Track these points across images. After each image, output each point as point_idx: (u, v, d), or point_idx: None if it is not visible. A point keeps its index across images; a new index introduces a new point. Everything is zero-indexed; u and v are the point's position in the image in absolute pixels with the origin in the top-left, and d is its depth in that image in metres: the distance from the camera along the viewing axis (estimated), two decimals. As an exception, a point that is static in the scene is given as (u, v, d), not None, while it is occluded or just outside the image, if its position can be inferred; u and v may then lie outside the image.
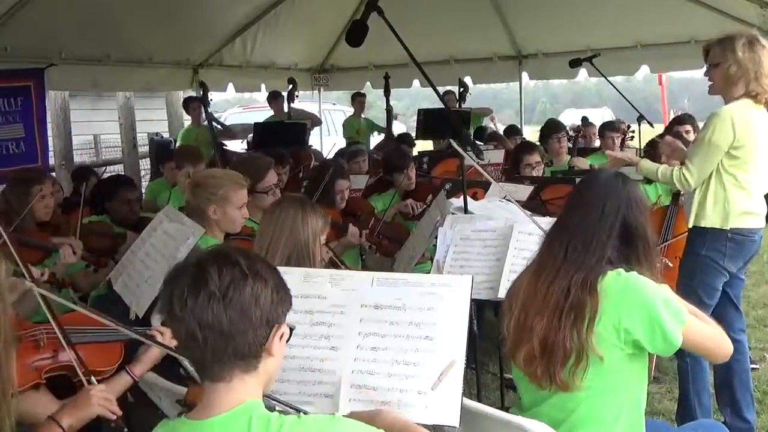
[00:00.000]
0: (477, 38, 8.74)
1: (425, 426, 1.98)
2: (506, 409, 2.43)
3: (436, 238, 3.44)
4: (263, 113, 10.02)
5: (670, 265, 4.10)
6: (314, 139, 9.81)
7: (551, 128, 6.17)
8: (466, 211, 3.52)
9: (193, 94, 8.48)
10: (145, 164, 10.66)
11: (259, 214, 3.41)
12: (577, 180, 3.00)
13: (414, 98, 30.52)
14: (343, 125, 10.42)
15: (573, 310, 2.13)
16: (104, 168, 8.73)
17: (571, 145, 6.39)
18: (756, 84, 3.33)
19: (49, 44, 6.41)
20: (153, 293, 2.95)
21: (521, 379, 2.30)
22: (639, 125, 5.93)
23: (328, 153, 8.56)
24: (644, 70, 8.53)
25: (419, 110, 8.95)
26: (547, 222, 2.71)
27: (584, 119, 7.85)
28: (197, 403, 1.60)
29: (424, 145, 9.13)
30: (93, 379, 2.12)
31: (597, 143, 6.96)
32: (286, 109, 8.80)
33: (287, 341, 1.64)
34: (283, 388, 2.05)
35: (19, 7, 5.70)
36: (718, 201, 3.38)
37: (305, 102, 10.76)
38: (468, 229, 3.34)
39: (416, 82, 9.35)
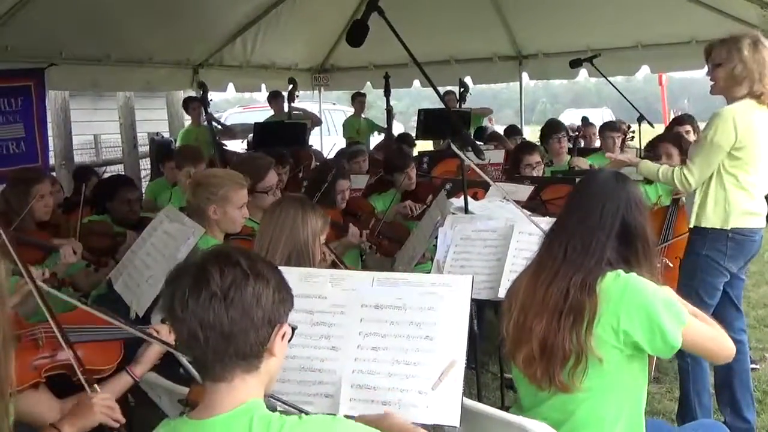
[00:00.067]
0: (477, 38, 8.74)
1: (426, 426, 1.99)
2: (506, 409, 2.43)
3: (436, 238, 3.44)
4: (263, 113, 10.03)
5: (671, 265, 4.10)
6: (314, 139, 9.81)
7: (551, 128, 6.16)
8: (466, 211, 3.52)
9: (193, 94, 8.48)
10: (145, 164, 10.66)
11: (260, 214, 3.41)
12: (577, 180, 3.00)
13: (414, 98, 30.51)
14: (344, 125, 10.43)
15: (572, 312, 2.13)
16: (104, 168, 8.73)
17: (571, 146, 6.38)
18: (760, 85, 3.32)
19: (50, 44, 6.41)
20: (153, 293, 2.96)
21: (521, 381, 2.30)
22: (639, 125, 5.92)
23: (329, 153, 8.55)
24: (644, 70, 8.54)
25: (419, 110, 8.97)
26: (546, 222, 2.71)
27: (584, 119, 7.86)
28: (199, 402, 1.60)
29: (423, 146, 9.13)
30: (96, 387, 2.11)
31: (597, 143, 6.96)
32: (286, 109, 8.80)
33: (289, 341, 1.64)
34: (284, 388, 2.05)
35: (19, 6, 5.69)
36: (718, 201, 3.38)
37: (305, 102, 10.76)
38: (468, 229, 3.34)
39: (416, 82, 9.36)
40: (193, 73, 8.45)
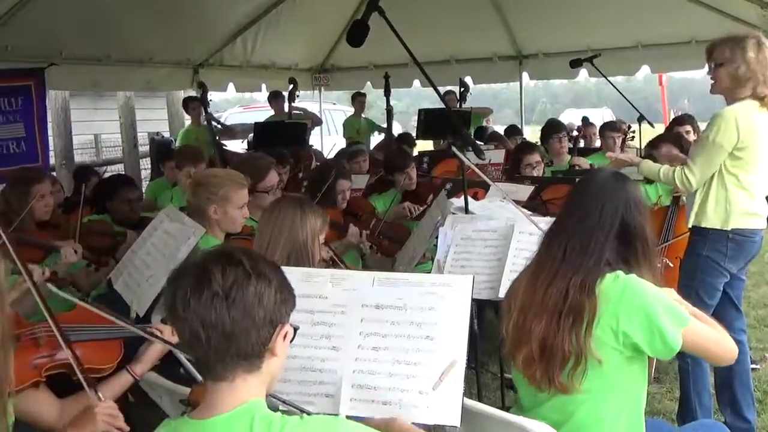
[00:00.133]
0: (477, 38, 8.74)
1: (426, 426, 1.98)
2: (507, 409, 2.42)
3: (436, 238, 3.44)
4: (264, 113, 10.02)
5: (671, 265, 4.10)
6: (314, 139, 9.81)
7: (552, 128, 6.16)
8: (466, 211, 3.52)
9: (193, 93, 8.48)
10: (145, 164, 10.66)
11: (260, 213, 3.41)
12: (577, 180, 3.00)
13: (414, 98, 30.54)
14: (344, 125, 10.43)
15: (571, 313, 2.12)
16: (104, 168, 8.73)
17: (571, 146, 6.38)
18: (764, 87, 3.31)
19: (50, 44, 6.41)
20: (154, 293, 2.95)
21: (520, 381, 2.29)
22: (639, 125, 5.92)
23: (329, 153, 8.56)
24: (645, 70, 8.54)
25: (420, 110, 8.97)
26: (546, 222, 2.71)
27: (585, 119, 7.86)
28: (200, 402, 1.60)
29: (423, 145, 9.13)
30: (100, 394, 2.11)
31: (597, 143, 6.96)
32: (286, 109, 8.80)
33: (291, 341, 1.64)
34: (284, 388, 2.05)
35: (19, 6, 5.69)
36: (719, 202, 3.37)
37: (306, 102, 10.76)
38: (469, 229, 3.34)
39: (416, 82, 9.36)
40: (193, 72, 8.45)
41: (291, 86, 8.69)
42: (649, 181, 4.35)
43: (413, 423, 1.99)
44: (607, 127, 6.27)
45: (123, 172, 8.77)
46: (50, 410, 2.33)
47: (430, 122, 8.43)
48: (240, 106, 15.95)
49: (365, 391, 2.06)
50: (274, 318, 1.57)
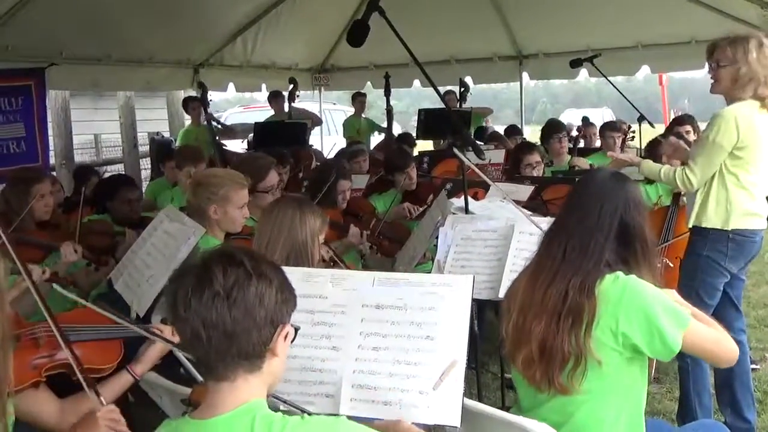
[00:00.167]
0: (478, 38, 8.74)
1: (426, 426, 1.98)
2: (507, 409, 2.42)
3: (436, 238, 3.44)
4: (264, 113, 10.03)
5: (671, 265, 4.10)
6: (315, 139, 9.81)
7: (552, 128, 6.17)
8: (467, 211, 3.52)
9: (193, 93, 8.49)
10: (145, 164, 10.67)
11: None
12: (577, 180, 3.00)
13: (415, 98, 30.54)
14: (344, 125, 10.43)
15: (571, 314, 2.12)
16: (104, 168, 8.74)
17: (571, 146, 6.38)
18: (765, 88, 3.30)
19: (50, 44, 6.41)
20: (154, 293, 2.96)
21: (520, 382, 2.29)
22: (639, 125, 5.92)
23: (329, 153, 8.55)
24: (645, 70, 8.54)
25: (420, 110, 8.97)
26: (547, 222, 2.71)
27: (585, 119, 7.86)
28: (201, 402, 1.61)
29: (423, 145, 9.13)
30: (103, 399, 2.11)
31: (598, 143, 6.96)
32: (286, 109, 8.80)
33: (292, 341, 1.64)
34: (284, 388, 2.05)
35: (19, 6, 5.69)
36: (720, 202, 3.37)
37: (306, 102, 10.76)
38: (469, 229, 3.34)
39: (417, 82, 9.36)
40: (193, 72, 8.44)
41: (291, 86, 8.69)
42: (649, 181, 4.35)
43: (413, 423, 1.99)
44: (608, 127, 6.27)
45: (123, 172, 8.78)
46: (50, 410, 2.32)
47: (430, 122, 8.43)
48: (240, 106, 15.95)
49: (365, 391, 2.06)
50: (275, 318, 1.57)
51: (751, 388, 3.61)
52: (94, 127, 12.53)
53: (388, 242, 4.46)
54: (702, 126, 4.26)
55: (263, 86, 9.53)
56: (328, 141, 10.82)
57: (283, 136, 7.76)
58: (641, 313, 2.08)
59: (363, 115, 10.00)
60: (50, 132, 7.34)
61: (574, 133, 6.96)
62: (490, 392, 4.13)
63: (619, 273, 2.15)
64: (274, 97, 9.08)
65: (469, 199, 3.61)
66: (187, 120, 8.88)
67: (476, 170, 3.40)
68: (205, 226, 3.19)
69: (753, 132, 3.31)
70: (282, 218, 2.85)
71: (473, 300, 2.14)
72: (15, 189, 3.99)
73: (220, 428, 1.53)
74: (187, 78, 8.46)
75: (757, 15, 6.49)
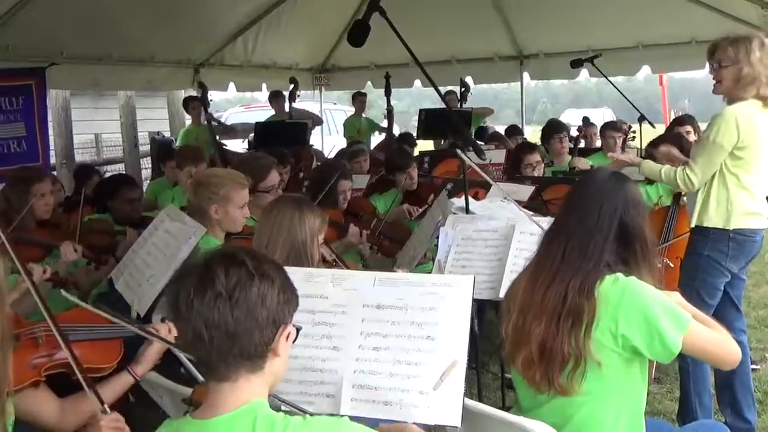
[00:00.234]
0: (478, 38, 8.74)
1: (427, 426, 1.98)
2: (507, 409, 2.42)
3: (437, 238, 3.44)
4: (264, 113, 10.03)
5: (672, 265, 4.10)
6: (315, 139, 9.81)
7: (553, 128, 6.17)
8: (467, 211, 3.52)
9: (194, 93, 8.49)
10: (146, 163, 10.67)
11: (261, 213, 3.41)
12: (576, 180, 3.00)
13: (415, 98, 30.54)
14: (344, 125, 10.43)
15: (571, 315, 2.11)
16: (105, 167, 8.74)
17: (572, 146, 6.38)
18: (767, 88, 3.30)
19: (51, 43, 6.42)
20: (154, 292, 2.95)
21: (520, 383, 2.29)
22: (640, 125, 5.92)
23: (329, 153, 8.55)
24: (645, 70, 8.55)
25: (420, 110, 8.96)
26: (547, 222, 2.71)
27: (585, 119, 7.86)
28: (203, 402, 1.61)
29: (424, 145, 9.13)
30: (106, 407, 2.11)
31: (598, 143, 6.96)
32: (287, 109, 8.81)
33: (293, 342, 1.64)
34: (285, 388, 2.04)
35: (20, 6, 5.70)
36: (720, 201, 3.37)
37: (306, 102, 10.76)
38: (469, 229, 3.34)
39: (417, 82, 9.37)
40: (194, 72, 8.45)
41: (292, 86, 8.69)
42: (650, 181, 4.35)
43: (414, 423, 1.99)
44: (608, 127, 6.27)
45: (124, 172, 8.78)
46: (50, 410, 2.32)
47: (430, 122, 8.43)
48: (241, 106, 15.95)
49: (366, 391, 2.06)
50: (277, 318, 1.57)
51: (751, 388, 3.61)
52: (94, 126, 12.53)
53: (389, 242, 4.46)
54: (702, 126, 4.26)
55: (264, 86, 9.53)
56: (328, 141, 10.83)
57: (284, 135, 7.76)
58: (641, 315, 2.08)
59: (363, 115, 10.00)
60: (51, 131, 7.35)
61: (574, 133, 6.95)
62: (491, 392, 4.13)
63: (619, 274, 2.14)
64: (275, 97, 9.08)
65: (470, 199, 3.61)
66: (188, 120, 8.88)
67: (479, 171, 3.40)
68: (206, 226, 3.18)
69: (754, 132, 3.31)
70: (281, 218, 2.85)
71: (474, 300, 2.14)
72: (15, 188, 3.99)
73: (221, 428, 1.53)
74: (187, 78, 8.46)
75: (757, 15, 6.49)
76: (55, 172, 7.56)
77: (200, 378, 1.87)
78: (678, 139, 4.76)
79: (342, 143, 9.83)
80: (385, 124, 9.27)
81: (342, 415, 1.96)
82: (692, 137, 5.30)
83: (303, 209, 2.88)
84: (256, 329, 1.54)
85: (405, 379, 2.04)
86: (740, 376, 3.52)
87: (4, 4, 5.62)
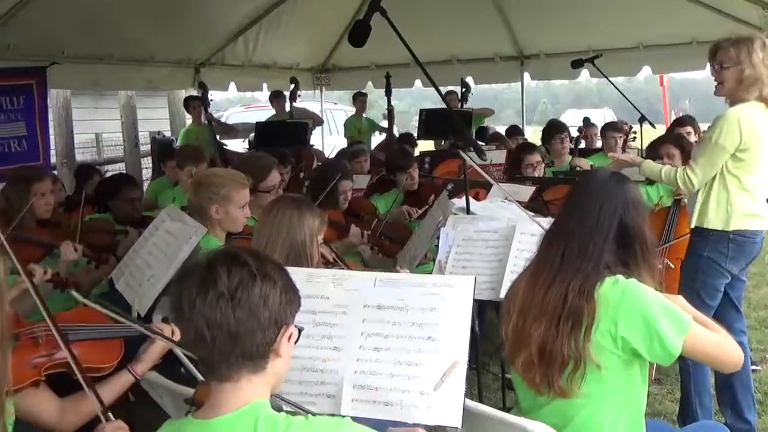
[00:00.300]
0: (479, 38, 8.75)
1: (427, 426, 1.98)
2: (508, 410, 2.42)
3: (438, 238, 3.44)
4: (265, 112, 10.03)
5: (672, 266, 4.10)
6: (316, 139, 9.82)
7: (553, 129, 6.17)
8: (468, 211, 3.52)
9: (195, 93, 8.49)
10: (146, 163, 10.67)
11: (262, 213, 3.40)
12: (576, 180, 2.99)
13: (416, 98, 30.55)
14: (345, 125, 10.42)
15: (570, 317, 2.11)
16: (106, 167, 8.75)
17: (572, 146, 6.38)
18: None
19: (52, 43, 6.42)
20: (155, 292, 2.95)
21: (520, 385, 2.29)
22: (641, 126, 5.93)
23: (330, 153, 8.55)
24: (646, 70, 8.56)
25: (421, 110, 8.96)
26: (548, 222, 2.71)
27: (586, 120, 7.86)
28: (205, 402, 1.61)
29: (424, 146, 9.13)
30: (110, 414, 2.11)
31: (598, 144, 6.96)
32: (288, 109, 8.81)
33: (295, 342, 1.64)
34: (286, 388, 2.04)
35: (21, 6, 5.70)
36: (721, 203, 3.37)
37: (307, 101, 10.76)
38: (470, 229, 3.34)
39: (418, 82, 9.37)
40: (194, 72, 8.45)
41: (292, 86, 8.69)
42: (650, 181, 4.34)
43: (414, 423, 1.99)
44: (609, 128, 6.27)
45: (124, 171, 8.78)
46: (50, 409, 2.32)
47: (431, 122, 8.43)
48: (242, 106, 15.96)
49: (367, 391, 2.06)
50: (279, 319, 1.57)
51: (751, 389, 3.61)
52: (95, 126, 12.53)
53: (390, 242, 4.46)
54: (703, 127, 4.26)
55: (264, 86, 9.53)
56: (329, 141, 10.82)
57: (285, 135, 7.76)
58: (641, 317, 2.07)
59: (364, 115, 10.00)
60: (51, 131, 7.35)
61: (575, 133, 6.95)
62: (491, 393, 4.13)
63: (619, 276, 2.13)
64: (276, 97, 9.08)
65: (471, 199, 3.61)
66: (189, 119, 8.88)
67: (481, 172, 3.40)
68: (207, 226, 3.19)
69: (756, 134, 3.30)
70: (281, 218, 2.85)
71: (474, 300, 2.14)
72: (15, 187, 3.99)
73: (222, 428, 1.53)
74: (188, 77, 8.46)
75: (758, 16, 6.49)
76: (55, 172, 7.56)
77: (201, 377, 1.87)
78: (679, 140, 4.77)
79: (342, 143, 9.82)
80: (385, 124, 9.27)
81: (344, 416, 1.96)
82: (693, 138, 5.30)
83: (302, 209, 2.88)
84: (258, 330, 1.54)
85: (406, 380, 2.04)
86: (740, 376, 3.52)
87: (4, 3, 5.62)
